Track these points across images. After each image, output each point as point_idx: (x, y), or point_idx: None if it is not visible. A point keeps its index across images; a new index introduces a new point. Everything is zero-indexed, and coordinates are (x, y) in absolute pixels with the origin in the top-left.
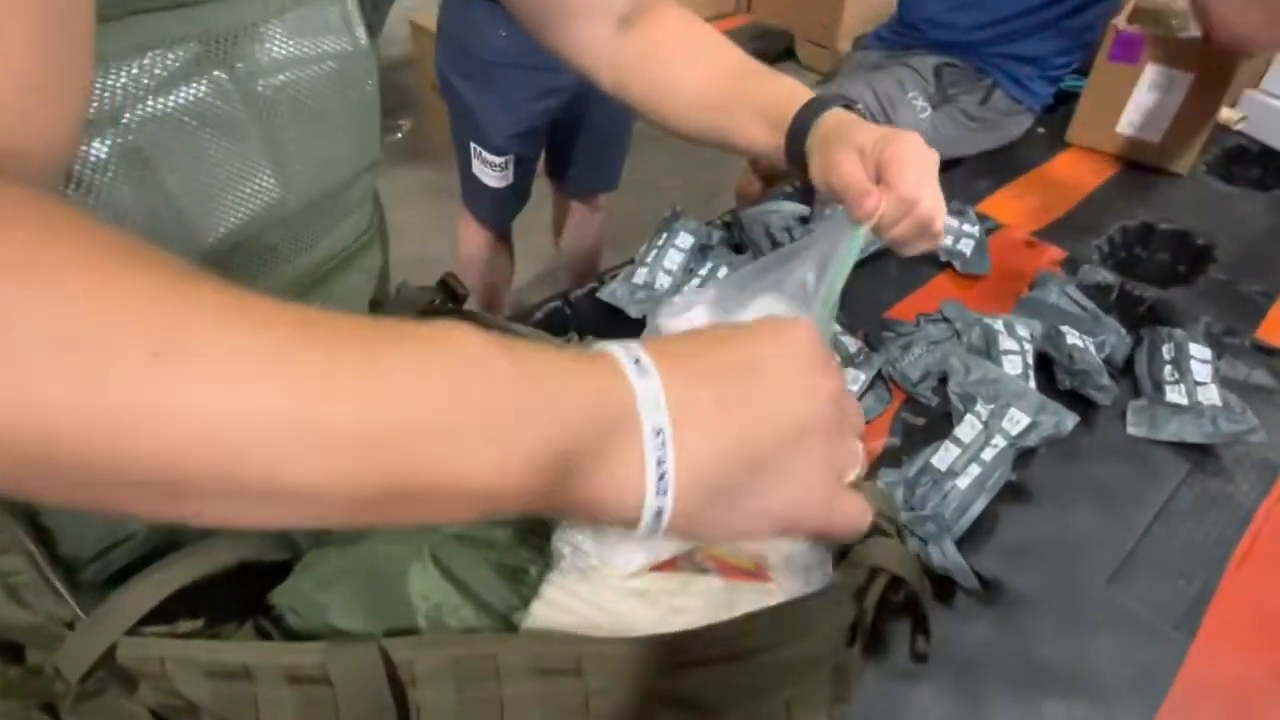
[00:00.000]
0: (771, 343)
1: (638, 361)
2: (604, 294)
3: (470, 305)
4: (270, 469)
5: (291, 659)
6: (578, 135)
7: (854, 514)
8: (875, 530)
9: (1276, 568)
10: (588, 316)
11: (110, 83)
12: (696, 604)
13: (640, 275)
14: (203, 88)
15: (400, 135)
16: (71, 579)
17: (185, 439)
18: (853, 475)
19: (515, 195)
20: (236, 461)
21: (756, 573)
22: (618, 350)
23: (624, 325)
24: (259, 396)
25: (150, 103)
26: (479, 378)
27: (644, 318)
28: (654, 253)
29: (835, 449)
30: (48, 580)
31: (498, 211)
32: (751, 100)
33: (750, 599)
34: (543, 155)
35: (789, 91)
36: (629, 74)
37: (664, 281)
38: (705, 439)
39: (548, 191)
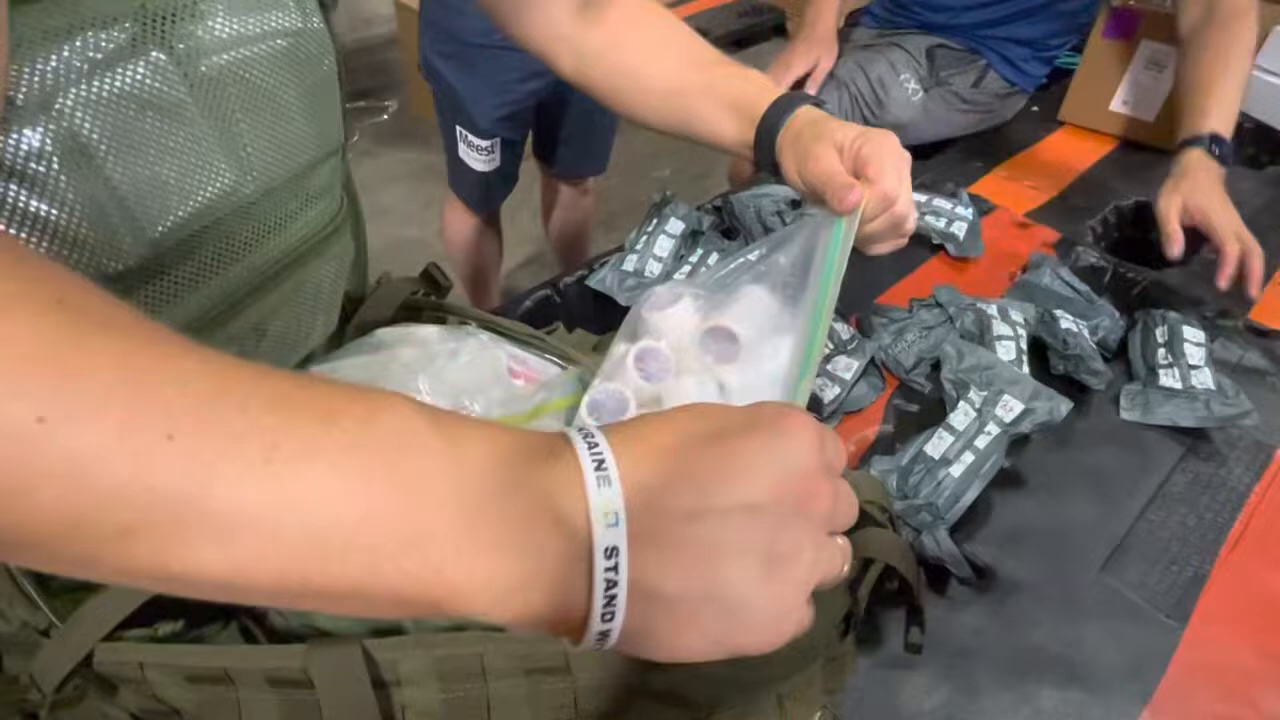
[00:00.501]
0: (766, 448)
1: (600, 465)
2: (593, 282)
3: (457, 289)
4: (159, 551)
5: (273, 662)
6: (565, 117)
7: (798, 630)
8: (868, 520)
9: (1269, 551)
10: (577, 305)
11: (39, 67)
12: None
13: (630, 262)
14: (141, 70)
15: (386, 116)
16: (46, 585)
17: (75, 508)
18: (832, 580)
19: (502, 179)
20: (127, 540)
21: None
22: (580, 446)
23: (613, 313)
24: (152, 473)
25: (85, 87)
26: (414, 476)
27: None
28: (644, 239)
29: (812, 570)
30: (20, 587)
31: (485, 195)
32: (718, 92)
33: None
34: (530, 138)
35: (757, 87)
36: (591, 61)
37: (654, 269)
38: (663, 561)
39: (536, 174)
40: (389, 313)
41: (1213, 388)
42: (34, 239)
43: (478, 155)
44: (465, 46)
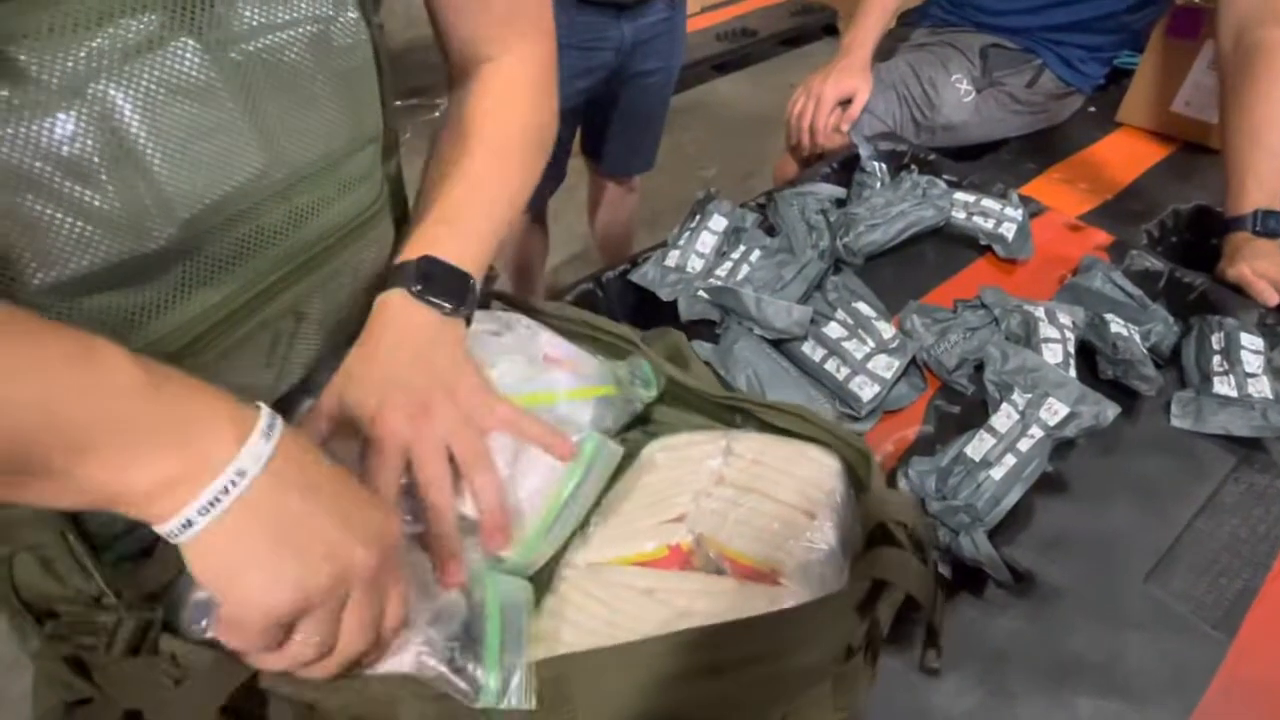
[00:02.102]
0: (362, 521)
1: (271, 428)
2: (635, 276)
3: (503, 285)
4: None
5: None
6: (613, 115)
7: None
8: (887, 540)
9: None
10: (619, 300)
11: (72, 52)
12: (704, 607)
13: (672, 258)
14: (171, 56)
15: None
16: (99, 555)
17: None
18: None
19: (550, 175)
20: None
21: (769, 576)
22: (265, 411)
23: (655, 308)
24: None
25: (117, 73)
26: (97, 398)
27: (675, 301)
28: (686, 235)
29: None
30: (75, 557)
31: (533, 191)
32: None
33: (760, 603)
34: (578, 135)
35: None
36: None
37: (696, 264)
38: (271, 513)
39: (583, 172)
40: None
41: (1270, 396)
42: (69, 219)
43: None
44: None
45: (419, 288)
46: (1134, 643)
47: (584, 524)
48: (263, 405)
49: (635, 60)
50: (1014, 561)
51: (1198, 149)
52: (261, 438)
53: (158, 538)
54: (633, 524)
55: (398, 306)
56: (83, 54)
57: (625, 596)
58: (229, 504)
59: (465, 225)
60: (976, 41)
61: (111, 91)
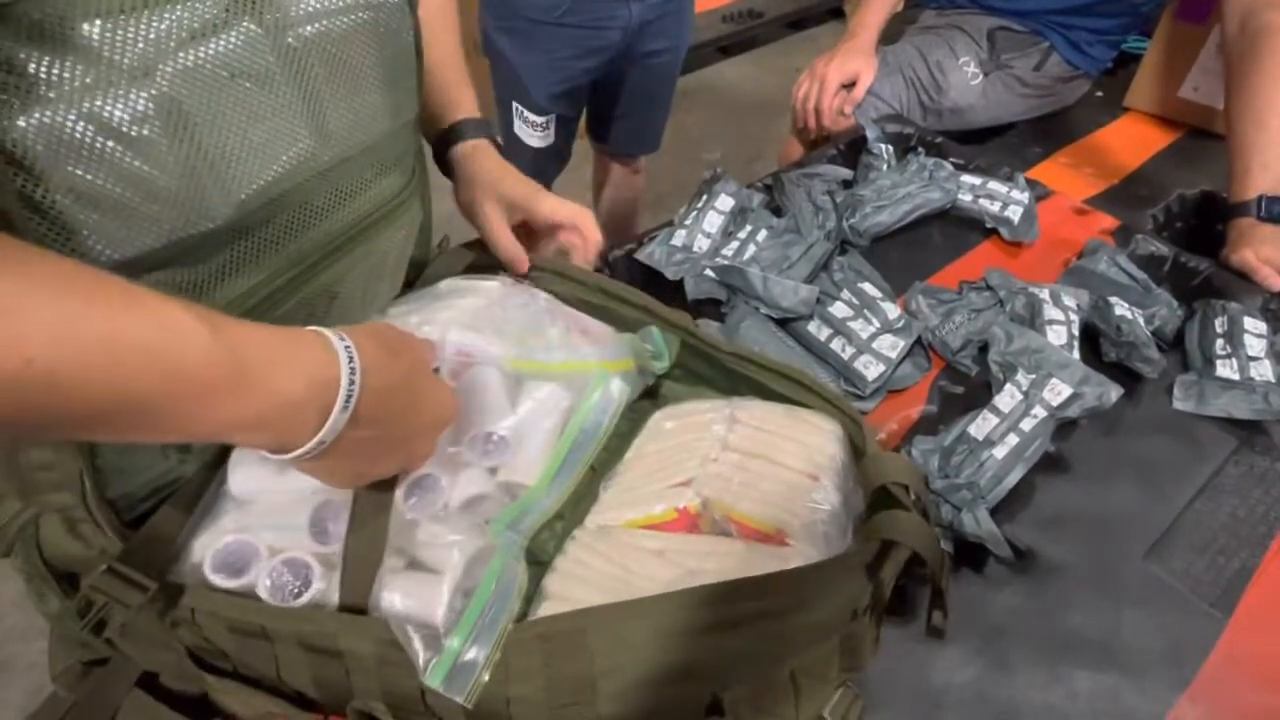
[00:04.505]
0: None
1: (349, 398)
2: (641, 255)
3: None
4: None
5: (308, 627)
6: (620, 95)
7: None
8: (894, 503)
9: None
10: (625, 277)
11: (141, 33)
12: (713, 567)
13: (679, 237)
14: (233, 39)
15: None
16: (121, 517)
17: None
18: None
19: (556, 155)
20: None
21: (776, 537)
22: (344, 381)
23: (660, 288)
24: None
25: (182, 55)
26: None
27: (681, 280)
28: (693, 215)
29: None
30: (93, 517)
31: (538, 172)
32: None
33: (768, 563)
34: (584, 116)
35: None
36: None
37: (702, 244)
38: (350, 453)
39: (588, 152)
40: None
41: (1272, 380)
42: (135, 197)
43: (533, 131)
44: (527, 22)
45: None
46: (1132, 619)
47: (593, 489)
48: (340, 358)
49: (642, 41)
50: (1015, 539)
51: (1205, 135)
52: (340, 411)
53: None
54: (641, 488)
55: (488, 149)
56: (151, 35)
57: (636, 556)
58: (317, 454)
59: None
60: (984, 24)
61: (177, 73)
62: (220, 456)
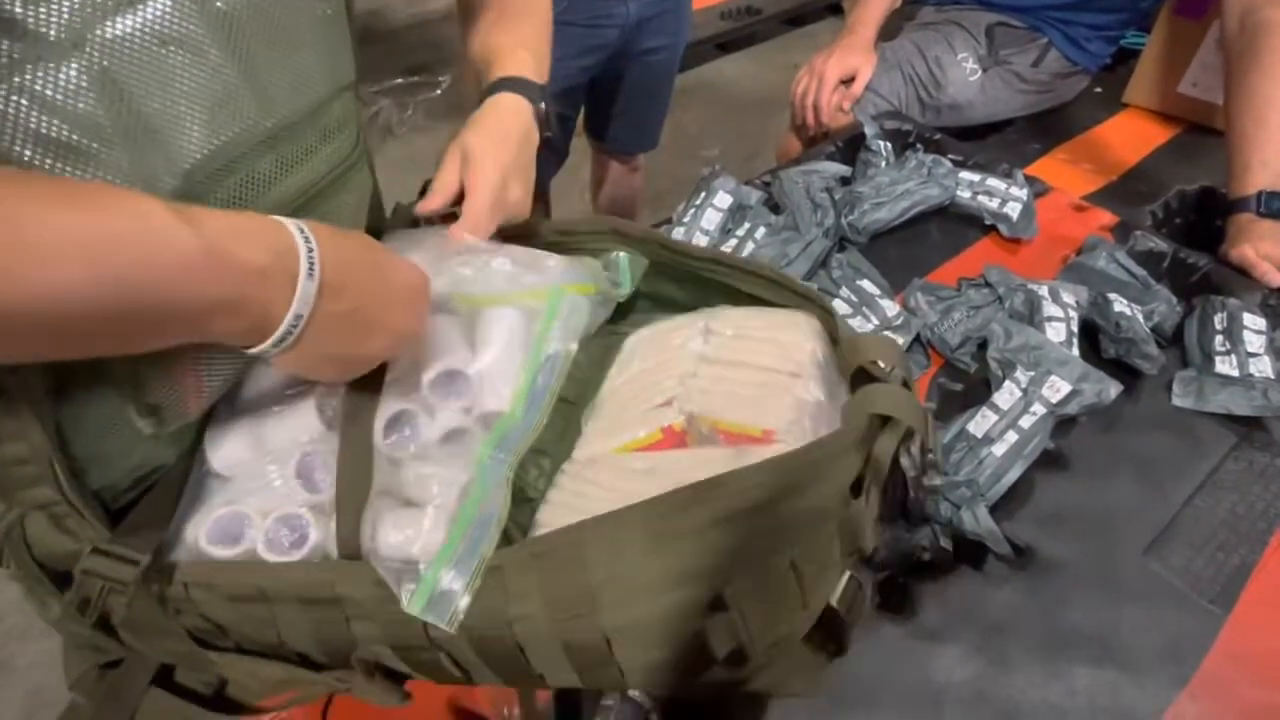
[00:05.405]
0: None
1: (311, 267)
2: None
3: None
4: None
5: (303, 579)
6: (617, 94)
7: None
8: (873, 377)
9: None
10: None
11: (66, 5)
12: (705, 474)
13: (677, 234)
14: (161, 6)
15: (439, 91)
16: (107, 508)
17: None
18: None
19: (553, 154)
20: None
21: (763, 438)
22: (303, 249)
23: None
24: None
25: (111, 24)
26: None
27: None
28: (691, 212)
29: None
30: (76, 509)
31: (536, 170)
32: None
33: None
34: (582, 114)
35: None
36: None
37: (701, 241)
38: (331, 329)
39: (587, 150)
40: None
41: (1271, 376)
42: (78, 172)
43: None
44: None
45: (536, 100)
46: (1131, 615)
47: (574, 423)
48: (293, 230)
49: (640, 38)
50: (1014, 536)
51: (1204, 130)
52: (306, 277)
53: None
54: (623, 415)
55: (514, 102)
56: (76, 5)
57: (626, 478)
58: (297, 335)
59: (534, 48)
60: (982, 20)
61: (107, 43)
62: (196, 443)
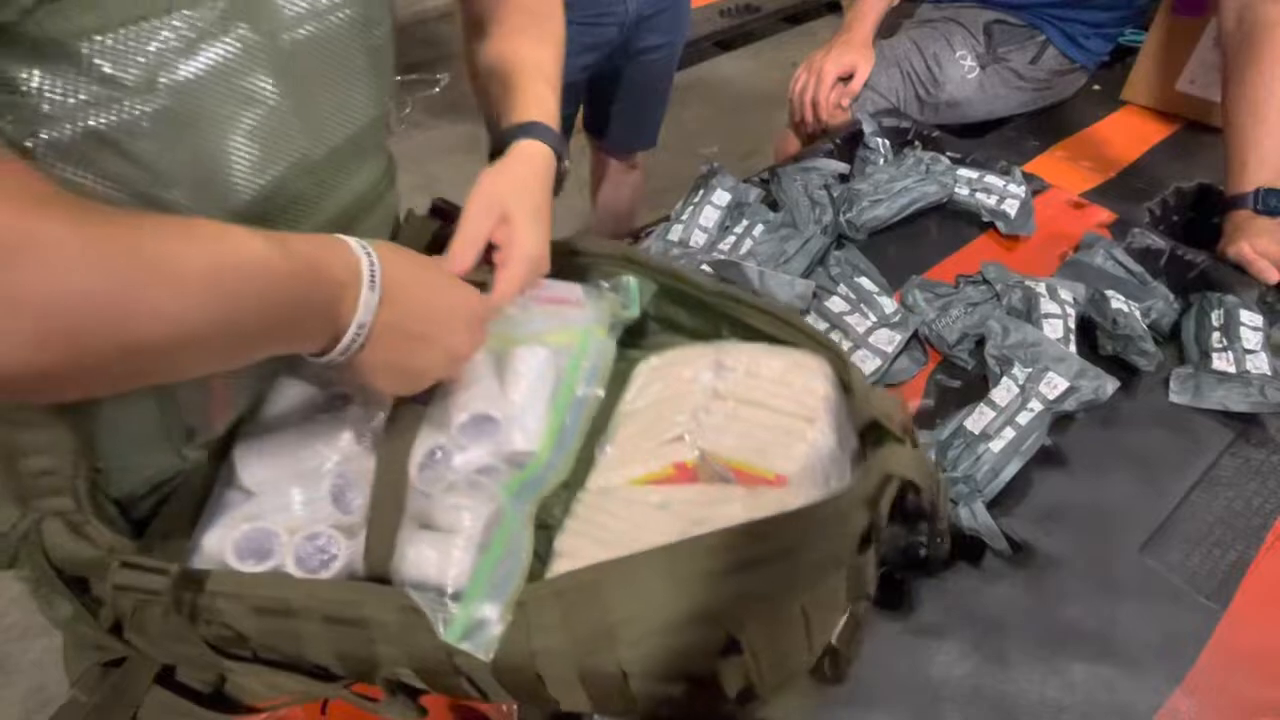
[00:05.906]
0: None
1: (373, 277)
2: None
3: None
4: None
5: (333, 599)
6: (616, 92)
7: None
8: (886, 437)
9: None
10: None
11: (143, 47)
12: (717, 514)
13: (675, 232)
14: (230, 46)
15: (438, 89)
16: (126, 515)
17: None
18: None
19: None
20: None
21: (776, 481)
22: (365, 264)
23: None
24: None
25: (182, 66)
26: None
27: None
28: (690, 210)
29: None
30: (97, 516)
31: None
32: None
33: (770, 506)
34: (581, 112)
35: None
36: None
37: (699, 239)
38: (391, 341)
39: (585, 148)
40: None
41: (1268, 373)
42: (135, 205)
43: None
44: None
45: (562, 154)
46: (1127, 611)
47: (588, 452)
48: (355, 247)
49: (640, 36)
50: (1011, 532)
51: (1201, 128)
52: (368, 288)
53: (169, 496)
54: (636, 447)
55: (545, 156)
56: (151, 48)
57: (641, 511)
58: (361, 343)
59: (553, 83)
60: (980, 17)
61: (178, 84)
62: (218, 450)
